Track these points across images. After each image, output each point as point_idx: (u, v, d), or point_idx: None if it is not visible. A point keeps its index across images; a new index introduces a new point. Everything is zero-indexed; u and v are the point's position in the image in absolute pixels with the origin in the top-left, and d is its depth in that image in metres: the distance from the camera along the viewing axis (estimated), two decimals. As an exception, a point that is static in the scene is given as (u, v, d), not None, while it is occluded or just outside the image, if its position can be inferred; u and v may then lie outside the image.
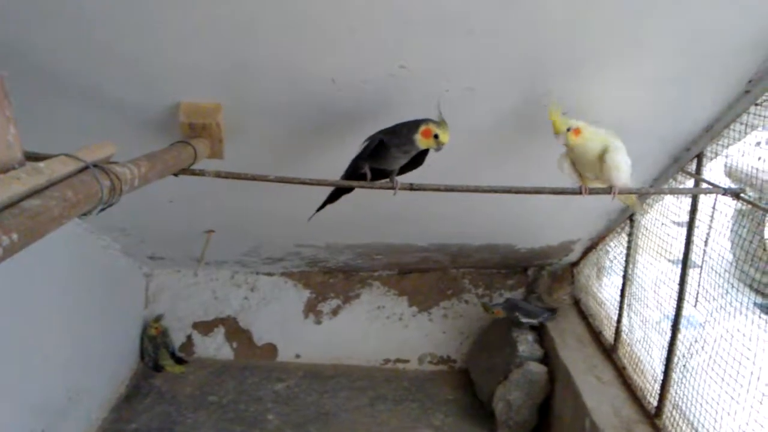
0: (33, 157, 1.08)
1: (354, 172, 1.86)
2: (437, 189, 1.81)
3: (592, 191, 1.86)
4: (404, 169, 1.87)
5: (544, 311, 3.42)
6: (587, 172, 1.86)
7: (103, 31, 1.51)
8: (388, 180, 1.84)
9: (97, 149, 1.22)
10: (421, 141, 1.70)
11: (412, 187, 1.81)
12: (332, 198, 2.01)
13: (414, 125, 1.71)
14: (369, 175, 1.81)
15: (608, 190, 1.84)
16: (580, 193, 1.85)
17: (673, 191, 2.28)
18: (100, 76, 1.69)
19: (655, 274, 2.58)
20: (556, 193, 1.86)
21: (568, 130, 1.74)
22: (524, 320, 3.35)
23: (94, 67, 1.65)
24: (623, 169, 1.78)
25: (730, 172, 2.20)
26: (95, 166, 1.11)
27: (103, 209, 1.12)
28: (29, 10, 1.43)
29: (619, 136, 1.79)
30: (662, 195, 2.46)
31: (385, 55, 1.61)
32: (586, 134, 1.76)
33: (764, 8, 1.45)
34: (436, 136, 1.69)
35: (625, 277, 2.88)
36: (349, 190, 1.97)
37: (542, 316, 3.39)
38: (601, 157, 1.77)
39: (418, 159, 1.85)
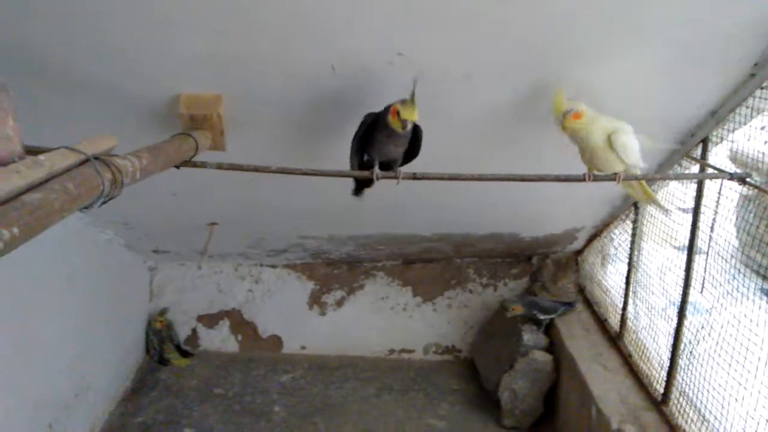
0: (33, 151, 1.08)
1: (357, 162, 1.86)
2: (441, 178, 1.79)
3: (596, 178, 1.83)
4: (402, 161, 1.86)
5: (561, 305, 3.34)
6: (587, 159, 1.81)
7: (103, 23, 1.49)
8: (391, 170, 1.82)
9: (98, 142, 1.21)
10: (391, 122, 1.68)
11: (415, 177, 1.79)
12: (359, 188, 2.01)
13: (387, 107, 1.70)
14: (377, 169, 1.80)
15: (613, 177, 1.81)
16: (584, 180, 1.82)
17: (679, 177, 2.26)
18: (100, 68, 1.68)
19: (661, 260, 2.57)
20: (560, 180, 1.84)
21: (567, 112, 1.70)
22: (542, 317, 3.29)
23: (93, 59, 1.64)
24: (631, 152, 1.74)
25: (734, 157, 2.18)
26: (96, 158, 1.10)
27: (104, 202, 1.11)
28: (27, 2, 1.42)
29: (625, 121, 1.76)
30: (667, 181, 2.44)
31: (383, 43, 1.60)
32: (586, 118, 1.71)
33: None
34: (398, 113, 1.66)
35: (630, 264, 2.86)
36: (369, 182, 1.95)
37: (560, 310, 3.31)
38: (608, 144, 1.73)
39: (411, 149, 1.84)
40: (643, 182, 1.93)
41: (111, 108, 1.85)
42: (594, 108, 1.78)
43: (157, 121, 1.89)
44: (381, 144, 1.77)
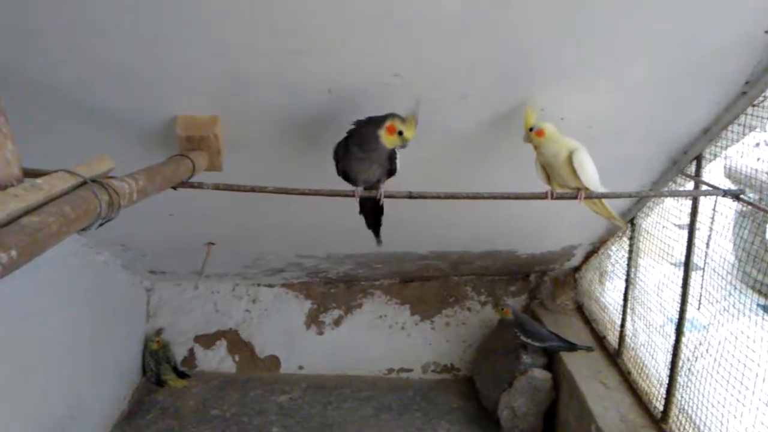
0: (31, 174, 1.08)
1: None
2: (437, 197, 1.80)
3: (560, 196, 1.83)
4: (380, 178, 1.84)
5: (558, 341, 3.14)
6: (556, 178, 1.84)
7: (98, 46, 1.51)
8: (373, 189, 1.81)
9: (96, 164, 1.22)
10: (387, 139, 1.67)
11: (411, 196, 1.80)
12: (373, 220, 1.99)
13: (380, 120, 1.67)
14: (359, 189, 1.79)
15: (575, 195, 1.81)
16: (546, 197, 1.82)
17: (673, 194, 2.28)
18: (96, 91, 1.70)
19: (658, 277, 2.57)
20: (523, 198, 1.82)
21: (531, 129, 1.74)
22: (523, 339, 3.21)
23: (89, 83, 1.66)
24: (589, 171, 1.76)
25: (730, 174, 2.20)
26: (93, 181, 1.11)
27: (101, 224, 1.12)
28: (24, 26, 1.43)
29: (584, 146, 1.78)
30: (662, 198, 2.46)
31: (379, 64, 1.62)
32: (548, 136, 1.76)
33: (757, 7, 1.45)
34: (400, 133, 1.66)
35: (627, 281, 2.87)
36: (378, 209, 1.94)
37: (550, 342, 3.14)
38: (568, 161, 1.76)
39: (391, 165, 1.82)
40: (603, 200, 1.94)
41: (108, 130, 1.86)
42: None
43: (154, 143, 1.90)
44: (357, 161, 1.74)
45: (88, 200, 1.05)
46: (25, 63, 1.56)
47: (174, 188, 1.61)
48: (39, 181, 0.99)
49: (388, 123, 1.66)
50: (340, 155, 1.78)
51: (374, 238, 2.03)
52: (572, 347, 3.10)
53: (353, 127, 1.74)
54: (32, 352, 2.60)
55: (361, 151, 1.71)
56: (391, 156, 1.79)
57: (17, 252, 0.81)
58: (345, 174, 1.83)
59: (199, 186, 1.69)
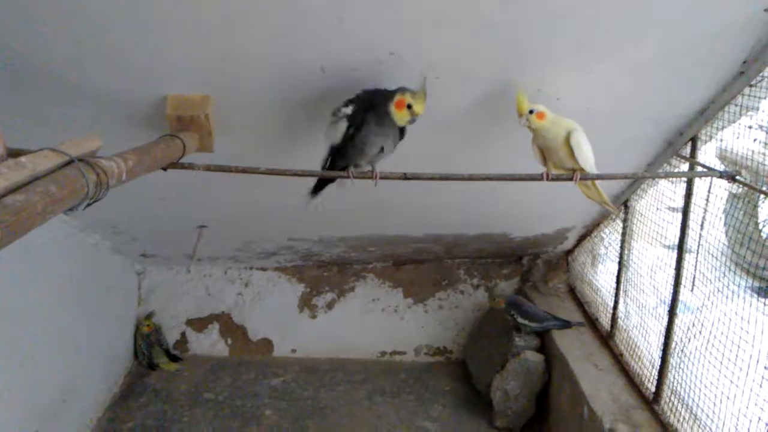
0: (15, 153, 1.05)
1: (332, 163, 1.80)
2: (432, 178, 1.78)
3: (555, 177, 1.82)
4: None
5: (552, 319, 3.18)
6: (553, 159, 1.83)
7: (86, 23, 1.47)
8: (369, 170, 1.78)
9: (83, 143, 1.18)
10: (396, 115, 1.62)
11: (405, 177, 1.78)
12: (318, 188, 1.95)
13: (389, 95, 1.62)
14: (352, 177, 1.76)
15: (570, 176, 1.81)
16: (542, 179, 1.81)
17: (669, 175, 2.26)
18: (84, 69, 1.65)
19: (651, 259, 2.57)
20: (520, 180, 1.81)
21: (531, 112, 1.73)
22: (521, 321, 3.21)
23: (77, 60, 1.61)
24: (585, 150, 1.75)
25: (722, 156, 2.19)
26: (80, 160, 1.08)
27: (89, 204, 1.09)
28: (12, 4, 1.39)
29: (581, 127, 1.77)
30: (657, 180, 2.45)
31: (374, 42, 1.58)
32: (549, 118, 1.75)
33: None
34: (409, 106, 1.60)
35: (620, 263, 2.87)
36: (331, 179, 1.89)
37: (546, 322, 3.17)
38: (566, 141, 1.75)
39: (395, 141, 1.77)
40: (596, 183, 1.93)
41: (97, 109, 1.82)
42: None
43: (144, 123, 1.86)
44: (372, 141, 1.69)
45: (74, 180, 1.02)
46: (11, 40, 1.52)
47: (164, 169, 1.58)
48: (23, 159, 0.97)
49: (397, 97, 1.61)
50: (353, 131, 1.67)
51: (310, 195, 1.94)
52: (566, 324, 3.15)
53: (360, 95, 1.68)
54: (22, 336, 2.58)
55: (378, 126, 1.66)
56: (401, 134, 1.75)
57: (0, 232, 0.79)
58: (350, 151, 1.73)
59: (190, 167, 1.66)
